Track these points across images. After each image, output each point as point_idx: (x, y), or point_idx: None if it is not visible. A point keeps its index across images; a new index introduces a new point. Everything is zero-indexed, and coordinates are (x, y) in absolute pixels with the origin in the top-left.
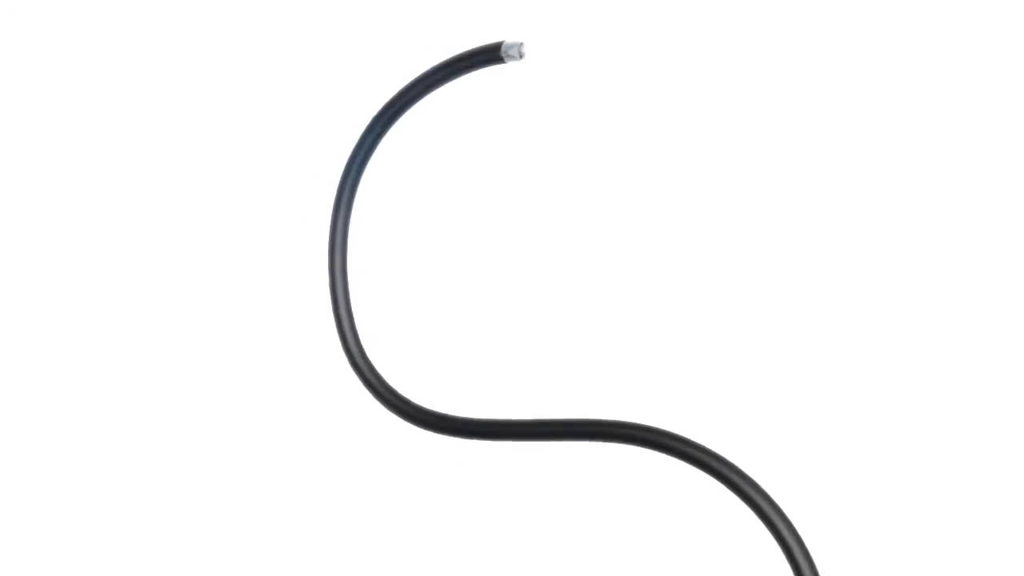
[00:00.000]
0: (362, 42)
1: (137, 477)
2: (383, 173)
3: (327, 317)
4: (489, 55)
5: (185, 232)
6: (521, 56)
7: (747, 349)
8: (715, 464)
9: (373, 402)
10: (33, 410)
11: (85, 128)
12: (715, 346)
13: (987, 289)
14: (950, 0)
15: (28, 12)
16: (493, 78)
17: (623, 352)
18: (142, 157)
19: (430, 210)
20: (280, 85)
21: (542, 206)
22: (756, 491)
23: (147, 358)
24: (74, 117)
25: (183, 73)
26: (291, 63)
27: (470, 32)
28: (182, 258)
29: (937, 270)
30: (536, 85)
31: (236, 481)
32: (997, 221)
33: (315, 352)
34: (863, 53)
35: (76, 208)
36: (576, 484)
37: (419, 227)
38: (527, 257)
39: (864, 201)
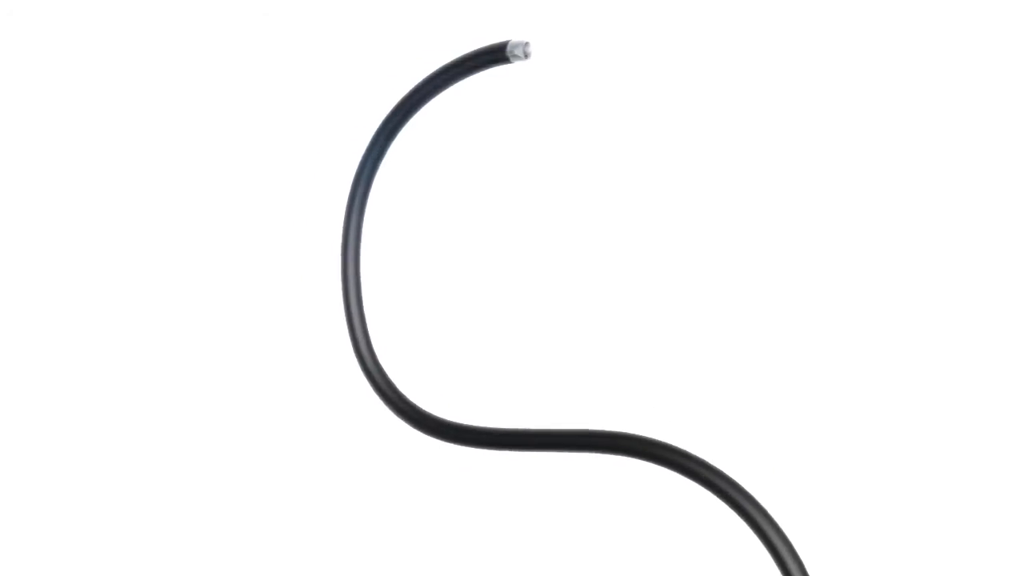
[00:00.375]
0: (366, 45)
1: (148, 480)
2: (392, 177)
3: (339, 321)
4: (495, 55)
5: (197, 237)
6: (527, 56)
7: (768, 360)
8: (720, 483)
9: (382, 406)
10: (45, 412)
11: (89, 133)
12: (737, 358)
13: (982, 297)
14: (950, 0)
15: (28, 12)
16: (499, 79)
17: (637, 357)
18: (149, 160)
19: (439, 213)
20: (287, 90)
21: (551, 208)
22: (755, 507)
23: (158, 361)
24: (78, 120)
25: (190, 76)
26: (297, 68)
27: (474, 33)
28: (194, 262)
29: (931, 277)
30: (542, 85)
31: (246, 485)
32: (996, 223)
33: (326, 356)
34: (866, 54)
35: (81, 212)
36: (580, 492)
37: (428, 230)
38: (537, 259)
39: (868, 206)
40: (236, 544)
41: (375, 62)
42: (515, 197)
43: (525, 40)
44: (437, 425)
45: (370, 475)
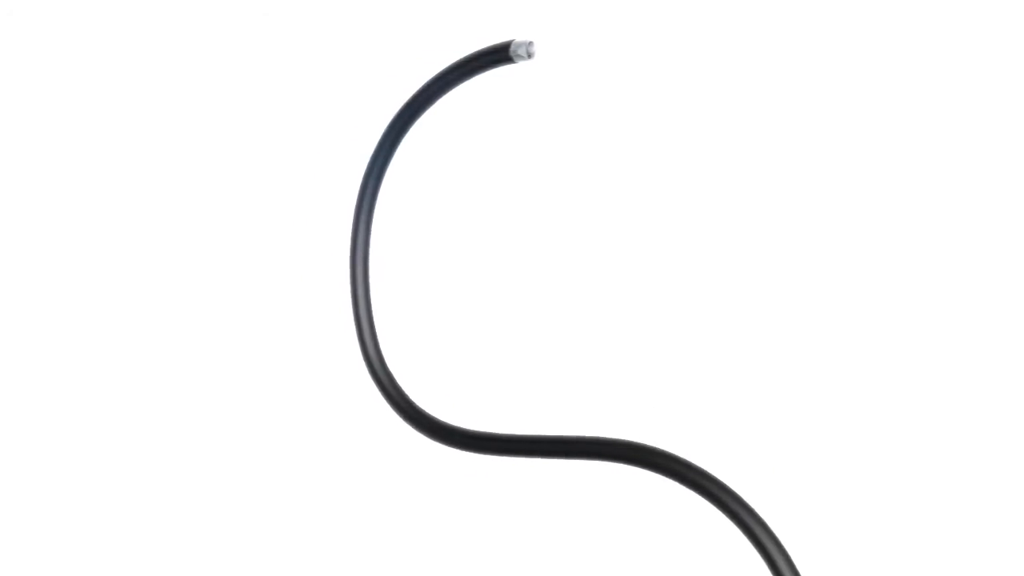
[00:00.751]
0: (369, 47)
1: (153, 476)
2: (400, 178)
3: (347, 323)
4: (498, 55)
5: (205, 239)
6: (530, 56)
7: (774, 367)
8: (721, 495)
9: (389, 410)
10: (55, 413)
11: (90, 135)
12: (749, 366)
13: (976, 300)
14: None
15: (28, 12)
16: (502, 79)
17: (643, 363)
18: (150, 161)
19: (446, 214)
20: (292, 93)
21: (557, 208)
22: (756, 521)
23: (164, 361)
24: (79, 122)
25: (191, 77)
26: (301, 70)
27: (478, 34)
28: (203, 264)
29: (925, 281)
30: (546, 85)
31: (253, 485)
32: (994, 223)
33: (333, 357)
34: (866, 54)
35: (84, 216)
36: (579, 498)
37: (435, 231)
38: (544, 260)
39: (866, 209)
40: (240, 543)
41: (379, 64)
42: (521, 197)
43: (529, 40)
44: (440, 429)
45: (374, 477)
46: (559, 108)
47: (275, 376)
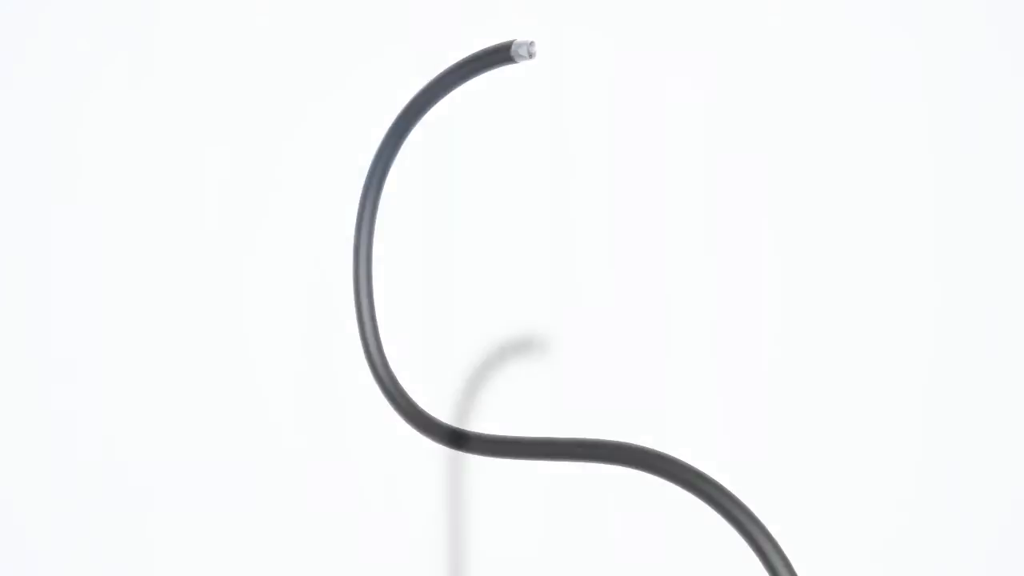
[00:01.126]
0: (370, 49)
1: (160, 481)
2: (403, 178)
3: (351, 323)
4: (499, 55)
5: (211, 240)
6: (531, 55)
7: (780, 372)
8: (723, 500)
9: (391, 410)
10: (61, 412)
11: (91, 135)
12: (748, 368)
13: (971, 306)
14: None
15: (28, 12)
16: (503, 80)
17: (648, 363)
18: (155, 163)
19: (447, 215)
20: (295, 94)
21: (558, 208)
22: (752, 521)
23: (168, 366)
24: (79, 122)
25: (194, 78)
26: (304, 71)
27: (479, 34)
28: (208, 265)
29: (923, 284)
30: (547, 84)
31: (253, 487)
32: (993, 225)
33: (337, 359)
34: (866, 54)
35: (87, 216)
36: (580, 500)
37: (435, 233)
38: (546, 261)
39: (867, 211)
40: (242, 542)
41: (381, 65)
42: (522, 197)
43: (530, 40)
44: (442, 430)
45: (375, 477)
46: (559, 108)
47: (278, 376)
